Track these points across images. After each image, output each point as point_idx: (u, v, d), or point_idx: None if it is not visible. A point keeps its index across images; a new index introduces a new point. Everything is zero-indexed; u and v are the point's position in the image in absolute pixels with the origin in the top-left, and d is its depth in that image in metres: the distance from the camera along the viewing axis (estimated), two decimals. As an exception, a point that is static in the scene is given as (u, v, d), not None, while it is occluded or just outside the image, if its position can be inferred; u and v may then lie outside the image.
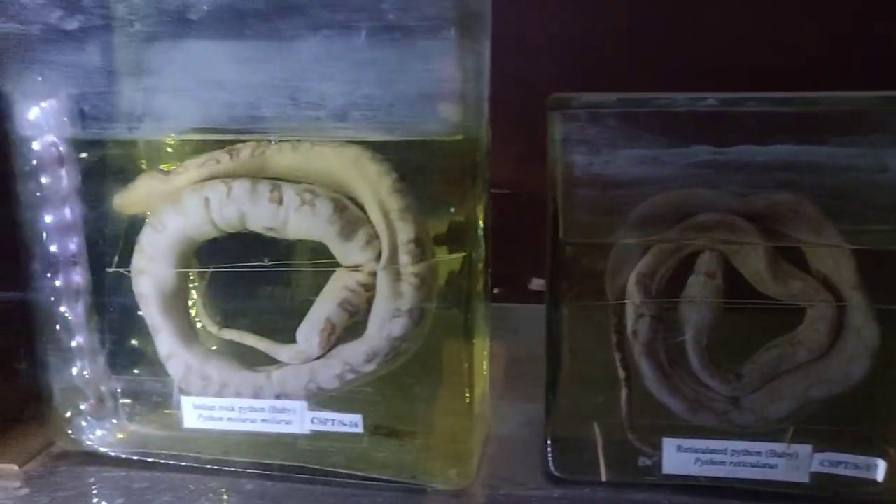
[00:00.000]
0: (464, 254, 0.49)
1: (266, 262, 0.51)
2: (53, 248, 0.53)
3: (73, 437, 0.55)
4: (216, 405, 0.52)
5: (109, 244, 0.53)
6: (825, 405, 0.48)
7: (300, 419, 0.51)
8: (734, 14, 0.76)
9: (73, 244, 0.53)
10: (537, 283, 0.83)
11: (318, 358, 0.50)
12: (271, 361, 0.52)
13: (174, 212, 0.49)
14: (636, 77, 0.77)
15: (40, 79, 0.48)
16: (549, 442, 0.52)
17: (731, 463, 0.49)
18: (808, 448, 0.48)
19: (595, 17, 0.79)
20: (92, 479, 0.53)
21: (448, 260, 0.49)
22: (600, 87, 0.48)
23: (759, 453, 0.48)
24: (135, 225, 0.52)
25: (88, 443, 0.55)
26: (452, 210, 0.48)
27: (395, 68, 0.44)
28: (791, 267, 0.48)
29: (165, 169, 0.50)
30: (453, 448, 0.52)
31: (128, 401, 0.55)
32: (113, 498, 0.51)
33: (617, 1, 0.79)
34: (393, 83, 0.45)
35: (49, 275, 0.53)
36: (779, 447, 0.48)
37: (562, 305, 0.50)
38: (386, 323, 0.49)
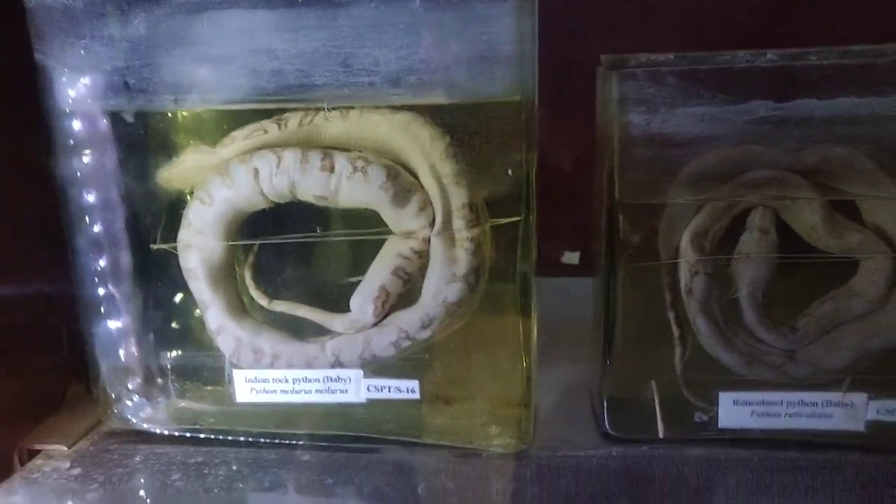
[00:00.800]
0: (520, 218, 0.48)
1: (318, 232, 0.50)
2: (96, 228, 0.52)
3: (121, 415, 0.55)
4: (269, 378, 0.52)
5: (153, 221, 0.52)
6: (882, 355, 0.48)
7: (356, 388, 0.51)
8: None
9: (117, 222, 0.52)
10: (570, 257, 0.80)
11: (373, 326, 0.50)
12: (321, 332, 0.52)
13: (222, 184, 0.49)
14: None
15: (83, 52, 0.47)
16: (604, 402, 0.52)
17: (787, 414, 0.50)
18: (863, 396, 0.48)
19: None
20: (144, 457, 0.53)
21: (503, 224, 0.49)
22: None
23: (814, 403, 0.49)
24: (178, 202, 0.51)
25: (137, 421, 0.55)
26: (510, 172, 0.47)
27: (452, 31, 0.44)
28: (846, 220, 0.48)
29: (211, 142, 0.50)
30: (509, 412, 0.52)
31: (177, 377, 0.55)
32: (168, 473, 0.51)
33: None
34: (450, 46, 0.44)
35: (92, 254, 0.52)
36: (834, 397, 0.49)
37: (617, 266, 0.50)
38: (441, 289, 0.48)
